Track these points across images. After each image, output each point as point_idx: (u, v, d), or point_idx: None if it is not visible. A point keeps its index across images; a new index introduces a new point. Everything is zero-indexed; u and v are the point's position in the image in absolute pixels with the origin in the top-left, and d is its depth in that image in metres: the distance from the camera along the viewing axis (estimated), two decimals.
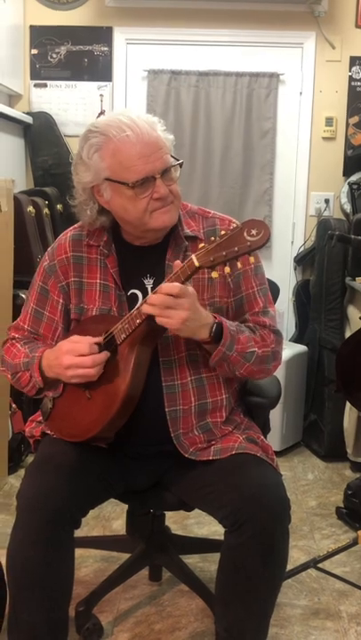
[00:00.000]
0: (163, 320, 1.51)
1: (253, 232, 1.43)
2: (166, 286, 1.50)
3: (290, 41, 3.83)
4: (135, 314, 1.57)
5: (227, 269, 1.47)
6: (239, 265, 1.48)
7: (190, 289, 1.53)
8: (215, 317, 1.61)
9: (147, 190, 1.60)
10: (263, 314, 1.75)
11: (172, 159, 1.64)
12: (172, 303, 1.49)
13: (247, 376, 1.72)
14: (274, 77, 3.83)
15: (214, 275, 1.50)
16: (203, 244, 1.49)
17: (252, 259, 1.49)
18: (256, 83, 3.82)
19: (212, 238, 1.48)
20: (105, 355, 1.60)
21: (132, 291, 1.72)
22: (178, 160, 1.65)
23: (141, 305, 1.54)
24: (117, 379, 1.60)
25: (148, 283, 1.72)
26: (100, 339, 1.62)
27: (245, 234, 1.43)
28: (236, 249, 1.44)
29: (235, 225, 1.74)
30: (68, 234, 1.80)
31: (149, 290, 1.72)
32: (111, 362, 1.61)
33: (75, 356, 1.59)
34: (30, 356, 1.71)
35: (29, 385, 1.72)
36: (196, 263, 1.47)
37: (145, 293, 1.72)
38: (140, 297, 1.72)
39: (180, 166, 1.66)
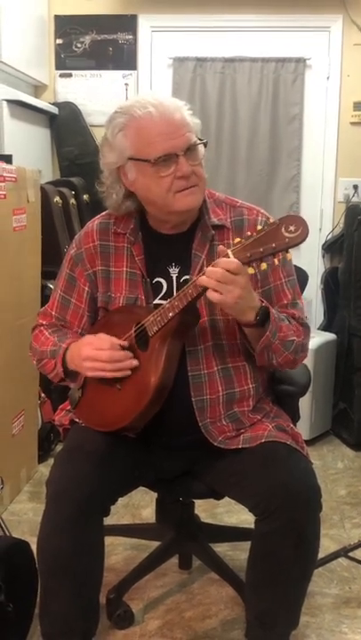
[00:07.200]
0: (215, 295, 1.47)
1: (292, 228, 1.40)
2: (224, 261, 1.46)
3: (316, 25, 3.77)
4: (168, 307, 1.56)
5: (263, 266, 1.45)
6: (276, 262, 1.44)
7: (246, 268, 1.48)
8: (262, 302, 1.59)
9: (169, 168, 1.58)
10: (292, 306, 1.73)
11: (197, 139, 1.62)
12: (229, 279, 1.46)
13: (282, 365, 1.70)
14: (300, 62, 3.78)
15: (251, 271, 1.48)
16: (239, 239, 1.46)
17: (289, 255, 1.46)
18: (282, 68, 3.78)
19: (249, 233, 1.45)
20: (125, 354, 1.59)
21: (156, 279, 1.72)
22: (202, 140, 1.63)
23: (196, 278, 1.50)
24: (149, 371, 1.59)
25: (174, 272, 1.71)
26: (125, 342, 1.61)
27: (283, 230, 1.40)
28: (273, 245, 1.41)
29: (263, 216, 1.73)
30: (95, 222, 1.80)
31: (174, 279, 1.71)
32: (143, 354, 1.61)
33: (94, 348, 1.60)
34: (58, 345, 1.72)
35: (53, 372, 1.74)
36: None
37: (170, 282, 1.71)
38: (164, 285, 1.71)
39: (205, 146, 1.64)
